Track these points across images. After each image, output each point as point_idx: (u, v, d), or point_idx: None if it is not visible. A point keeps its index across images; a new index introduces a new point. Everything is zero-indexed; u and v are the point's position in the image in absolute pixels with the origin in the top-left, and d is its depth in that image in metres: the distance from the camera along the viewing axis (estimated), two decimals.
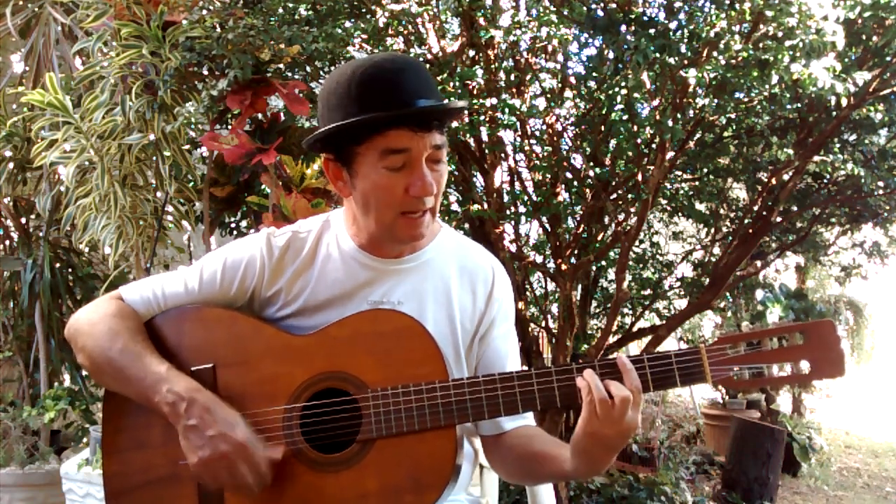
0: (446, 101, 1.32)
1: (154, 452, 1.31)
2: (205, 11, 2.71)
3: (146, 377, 1.26)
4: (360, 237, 1.38)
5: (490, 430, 1.41)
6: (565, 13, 3.05)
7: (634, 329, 4.98)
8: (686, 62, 2.94)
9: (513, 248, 3.90)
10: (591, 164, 3.86)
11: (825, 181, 4.51)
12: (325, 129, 1.28)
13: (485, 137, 3.58)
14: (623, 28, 2.95)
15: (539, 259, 4.01)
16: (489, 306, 1.42)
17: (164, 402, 1.24)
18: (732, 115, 3.74)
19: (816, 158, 3.78)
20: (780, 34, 2.73)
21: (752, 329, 1.24)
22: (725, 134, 4.28)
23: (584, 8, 2.96)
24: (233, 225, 3.41)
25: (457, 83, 3.15)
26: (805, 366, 1.19)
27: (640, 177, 3.51)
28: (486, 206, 3.62)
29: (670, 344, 6.44)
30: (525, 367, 1.34)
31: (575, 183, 3.89)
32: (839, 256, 5.93)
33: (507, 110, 3.16)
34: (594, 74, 3.32)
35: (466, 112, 3.22)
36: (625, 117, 3.48)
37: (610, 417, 1.16)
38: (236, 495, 1.26)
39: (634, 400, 1.17)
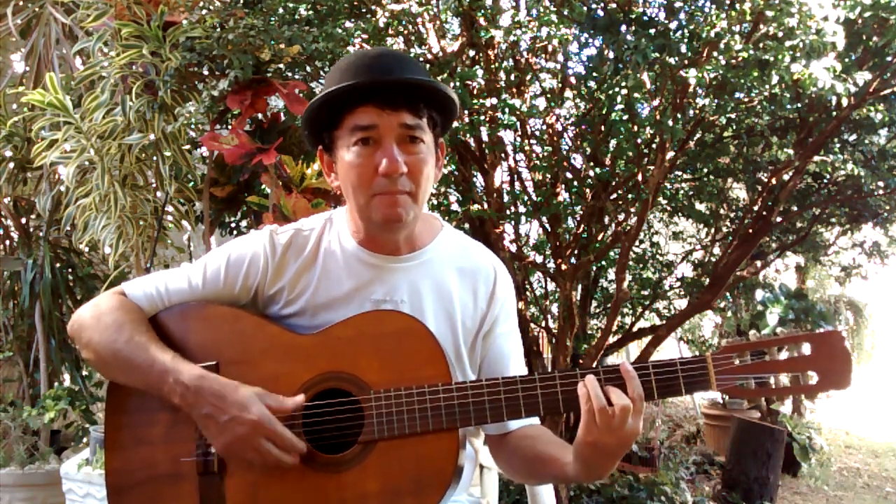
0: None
1: (156, 449, 1.31)
2: (205, 11, 2.71)
3: (153, 365, 1.27)
4: (358, 234, 1.37)
5: (495, 429, 1.41)
6: (565, 13, 3.05)
7: (634, 329, 4.98)
8: (686, 62, 2.94)
9: (513, 248, 3.90)
10: (591, 164, 3.86)
11: (825, 181, 4.51)
12: (304, 114, 1.31)
13: (485, 137, 3.58)
14: (623, 28, 2.95)
15: (539, 259, 4.01)
16: (491, 305, 1.41)
17: (173, 393, 1.25)
18: (732, 115, 3.75)
19: (816, 158, 3.78)
20: (780, 34, 2.73)
21: (759, 338, 1.22)
22: (725, 134, 4.29)
23: (584, 8, 2.96)
24: (233, 225, 3.41)
25: (457, 83, 3.15)
26: (812, 376, 1.17)
27: (640, 177, 3.51)
28: (486, 206, 3.62)
29: (670, 344, 6.46)
30: (527, 370, 1.32)
31: (575, 183, 3.89)
32: (839, 256, 5.93)
33: (507, 110, 3.16)
34: (594, 74, 3.32)
35: (467, 112, 3.22)
36: (625, 117, 3.49)
37: (609, 426, 1.14)
38: (239, 491, 1.26)
39: (635, 408, 1.15)
